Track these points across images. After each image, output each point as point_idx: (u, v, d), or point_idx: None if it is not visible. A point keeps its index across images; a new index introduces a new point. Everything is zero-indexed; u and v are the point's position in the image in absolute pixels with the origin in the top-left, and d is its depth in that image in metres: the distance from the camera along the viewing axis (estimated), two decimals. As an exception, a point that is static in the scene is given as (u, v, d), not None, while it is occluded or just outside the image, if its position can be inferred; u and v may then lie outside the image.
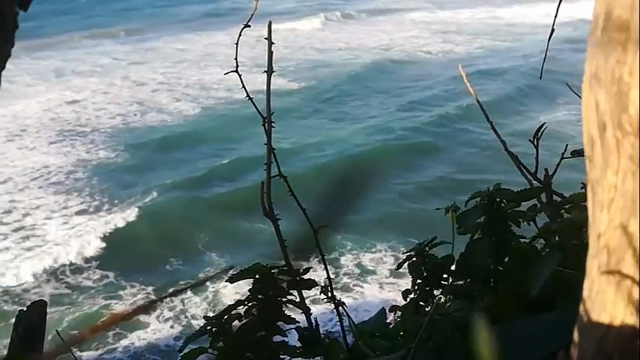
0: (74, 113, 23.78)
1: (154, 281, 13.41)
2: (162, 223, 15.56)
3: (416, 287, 2.28)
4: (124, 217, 15.93)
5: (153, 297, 13.14)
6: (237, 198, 15.87)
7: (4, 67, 0.75)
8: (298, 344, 1.94)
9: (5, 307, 12.62)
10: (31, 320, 1.83)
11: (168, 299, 12.46)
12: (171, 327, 12.38)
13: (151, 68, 29.14)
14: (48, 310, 1.98)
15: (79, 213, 16.38)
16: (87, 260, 14.25)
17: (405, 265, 2.34)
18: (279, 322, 1.82)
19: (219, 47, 30.67)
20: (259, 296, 1.81)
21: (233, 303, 1.82)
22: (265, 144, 2.07)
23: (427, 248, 2.26)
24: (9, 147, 21.02)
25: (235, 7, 41.45)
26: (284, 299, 1.83)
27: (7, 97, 24.95)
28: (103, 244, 14.80)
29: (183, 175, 18.04)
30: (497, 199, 2.02)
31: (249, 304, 1.81)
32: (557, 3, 2.22)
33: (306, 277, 1.92)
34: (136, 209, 16.13)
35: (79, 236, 15.07)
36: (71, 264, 14.12)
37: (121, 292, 13.15)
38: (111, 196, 17.19)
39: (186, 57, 30.56)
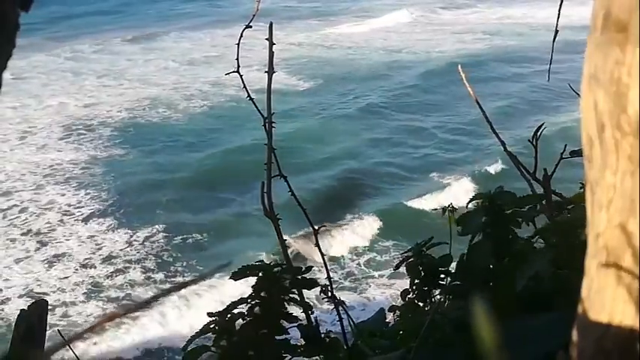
0: (89, 112, 23.96)
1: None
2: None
3: (414, 287, 2.28)
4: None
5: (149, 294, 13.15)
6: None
7: (5, 67, 0.75)
8: (299, 342, 1.94)
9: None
10: (32, 320, 1.84)
11: (163, 298, 12.49)
12: (171, 324, 12.42)
13: (164, 68, 29.29)
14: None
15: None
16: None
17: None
18: (282, 321, 1.82)
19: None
20: (262, 294, 1.81)
21: (235, 301, 1.82)
22: (266, 144, 2.07)
23: (424, 248, 2.26)
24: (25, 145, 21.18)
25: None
26: (286, 297, 1.83)
27: (23, 97, 25.22)
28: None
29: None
30: (499, 202, 2.02)
31: (252, 303, 1.80)
32: (559, 4, 2.21)
33: (306, 276, 1.92)
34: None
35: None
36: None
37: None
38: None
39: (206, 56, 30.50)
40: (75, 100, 25.36)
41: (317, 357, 2.01)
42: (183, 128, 22.33)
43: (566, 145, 2.16)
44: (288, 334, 1.85)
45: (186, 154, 20.20)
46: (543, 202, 2.08)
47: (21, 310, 1.88)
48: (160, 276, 13.93)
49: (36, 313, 1.85)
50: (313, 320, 1.98)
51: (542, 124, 2.29)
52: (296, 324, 1.89)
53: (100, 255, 14.76)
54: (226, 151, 19.96)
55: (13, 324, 1.90)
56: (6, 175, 18.98)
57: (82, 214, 16.56)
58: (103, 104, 24.81)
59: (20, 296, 13.32)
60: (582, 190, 2.06)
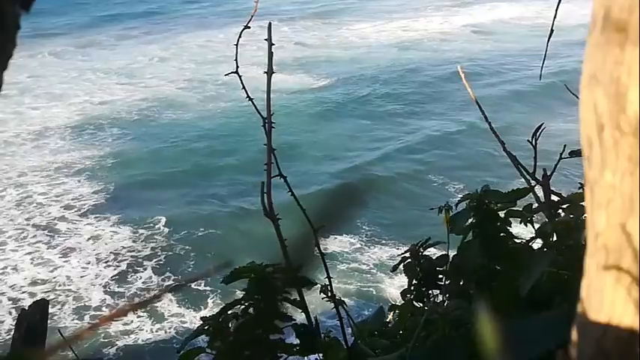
0: (102, 110, 24.13)
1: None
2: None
3: (412, 287, 2.28)
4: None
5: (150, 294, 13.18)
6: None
7: (6, 67, 0.75)
8: (296, 342, 1.94)
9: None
10: (33, 319, 1.83)
11: (162, 297, 12.51)
12: (170, 326, 12.44)
13: (177, 67, 29.39)
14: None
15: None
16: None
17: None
18: (276, 321, 1.82)
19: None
20: (255, 295, 1.81)
21: (230, 302, 1.82)
22: (265, 144, 2.07)
23: (421, 249, 2.26)
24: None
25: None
26: (279, 297, 1.83)
27: (38, 97, 25.42)
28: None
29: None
30: (487, 201, 2.02)
31: (246, 304, 1.80)
32: (557, 3, 2.21)
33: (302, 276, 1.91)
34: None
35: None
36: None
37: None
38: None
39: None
40: (89, 98, 25.69)
41: (317, 357, 2.01)
42: (194, 127, 22.48)
43: (565, 145, 2.16)
44: (283, 333, 1.85)
45: (196, 153, 20.35)
46: (540, 195, 2.08)
47: (21, 309, 1.88)
48: (162, 274, 14.03)
49: (36, 312, 1.84)
50: (313, 320, 1.98)
51: (542, 124, 2.29)
52: (290, 323, 1.88)
53: (104, 251, 14.89)
54: (235, 149, 20.07)
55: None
56: (18, 170, 19.23)
57: (88, 211, 16.78)
58: (117, 102, 25.02)
59: (25, 290, 13.43)
60: (581, 189, 2.06)
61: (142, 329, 12.37)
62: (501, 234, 2.02)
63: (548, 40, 2.21)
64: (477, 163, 18.92)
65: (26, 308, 1.85)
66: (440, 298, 2.25)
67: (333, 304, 2.09)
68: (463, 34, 34.23)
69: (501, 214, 2.03)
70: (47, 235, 15.72)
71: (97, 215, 16.65)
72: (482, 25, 35.97)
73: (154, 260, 14.54)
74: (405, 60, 29.56)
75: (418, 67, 28.24)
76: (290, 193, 2.07)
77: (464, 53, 30.29)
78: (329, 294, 2.06)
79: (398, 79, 26.79)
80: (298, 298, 1.90)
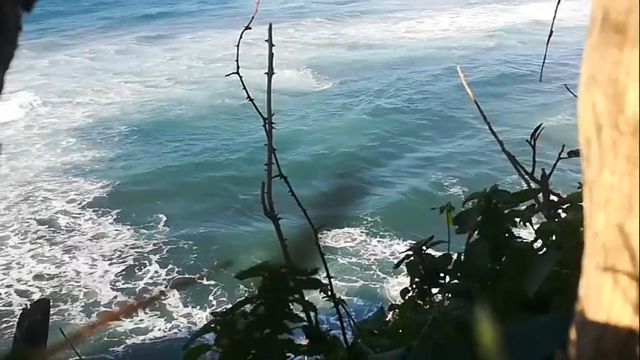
0: (109, 110, 24.25)
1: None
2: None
3: (414, 286, 2.29)
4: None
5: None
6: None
7: (7, 68, 0.75)
8: (303, 342, 1.94)
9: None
10: (35, 319, 1.84)
11: (161, 296, 12.52)
12: (176, 324, 12.46)
13: (187, 66, 29.48)
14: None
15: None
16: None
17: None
18: (286, 320, 1.82)
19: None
20: (267, 294, 1.81)
21: (240, 300, 1.82)
22: (266, 144, 2.08)
23: (424, 247, 2.27)
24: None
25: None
26: (291, 297, 1.83)
27: (48, 95, 25.59)
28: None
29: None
30: (494, 201, 2.02)
31: (257, 302, 1.80)
32: (557, 3, 2.22)
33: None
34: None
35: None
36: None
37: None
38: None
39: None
40: (99, 99, 25.80)
41: (317, 357, 2.02)
42: (199, 126, 22.55)
43: (564, 146, 2.16)
44: (292, 334, 1.85)
45: (203, 153, 20.43)
46: (539, 195, 2.08)
47: (23, 309, 1.88)
48: (162, 272, 14.07)
49: (38, 311, 1.85)
50: (313, 319, 1.99)
51: (541, 124, 2.29)
52: (300, 324, 1.89)
53: (106, 250, 14.97)
54: (240, 150, 20.12)
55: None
56: (28, 169, 19.36)
57: (91, 209, 16.87)
58: (127, 102, 25.16)
59: (31, 284, 13.50)
60: (580, 189, 2.06)
61: (153, 327, 12.39)
62: (507, 234, 2.02)
63: (548, 42, 2.21)
64: (488, 166, 18.85)
65: (28, 307, 1.86)
66: (440, 297, 2.25)
67: (333, 304, 2.09)
68: (473, 35, 34.12)
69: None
70: (52, 232, 15.84)
71: (98, 210, 16.77)
72: (503, 26, 35.67)
73: (158, 255, 14.65)
74: (413, 60, 29.52)
75: (427, 68, 28.21)
76: (290, 193, 2.08)
77: (468, 51, 30.23)
78: (329, 293, 2.06)
79: (406, 80, 26.74)
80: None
